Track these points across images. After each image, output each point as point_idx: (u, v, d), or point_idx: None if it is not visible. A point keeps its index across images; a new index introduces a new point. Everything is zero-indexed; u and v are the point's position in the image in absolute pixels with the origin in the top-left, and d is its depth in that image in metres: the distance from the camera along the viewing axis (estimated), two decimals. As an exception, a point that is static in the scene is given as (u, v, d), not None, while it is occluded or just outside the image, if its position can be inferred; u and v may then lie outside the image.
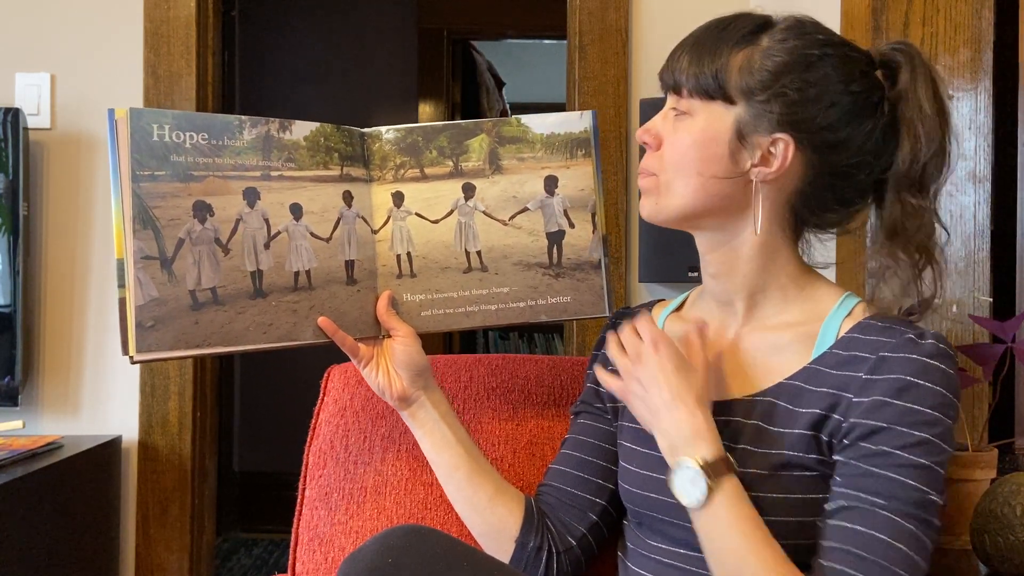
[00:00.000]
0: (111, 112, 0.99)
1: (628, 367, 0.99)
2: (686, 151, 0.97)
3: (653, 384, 0.96)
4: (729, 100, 0.95)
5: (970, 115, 1.49)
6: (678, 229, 1.03)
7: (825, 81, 0.95)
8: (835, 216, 1.01)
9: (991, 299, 1.45)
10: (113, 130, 0.99)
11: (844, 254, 1.51)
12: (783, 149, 0.95)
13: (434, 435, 1.11)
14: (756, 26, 0.97)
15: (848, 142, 0.96)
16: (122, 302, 0.98)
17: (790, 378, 0.96)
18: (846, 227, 1.04)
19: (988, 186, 1.48)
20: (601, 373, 1.04)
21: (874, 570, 0.85)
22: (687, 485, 0.91)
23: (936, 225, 0.99)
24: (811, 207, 0.99)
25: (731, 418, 0.97)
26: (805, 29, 0.97)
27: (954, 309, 1.41)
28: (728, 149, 0.96)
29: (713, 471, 0.90)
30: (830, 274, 1.52)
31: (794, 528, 0.91)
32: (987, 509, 1.13)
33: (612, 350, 1.02)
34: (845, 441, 0.90)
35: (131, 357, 0.98)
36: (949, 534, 1.26)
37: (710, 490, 0.89)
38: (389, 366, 1.10)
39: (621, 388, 1.00)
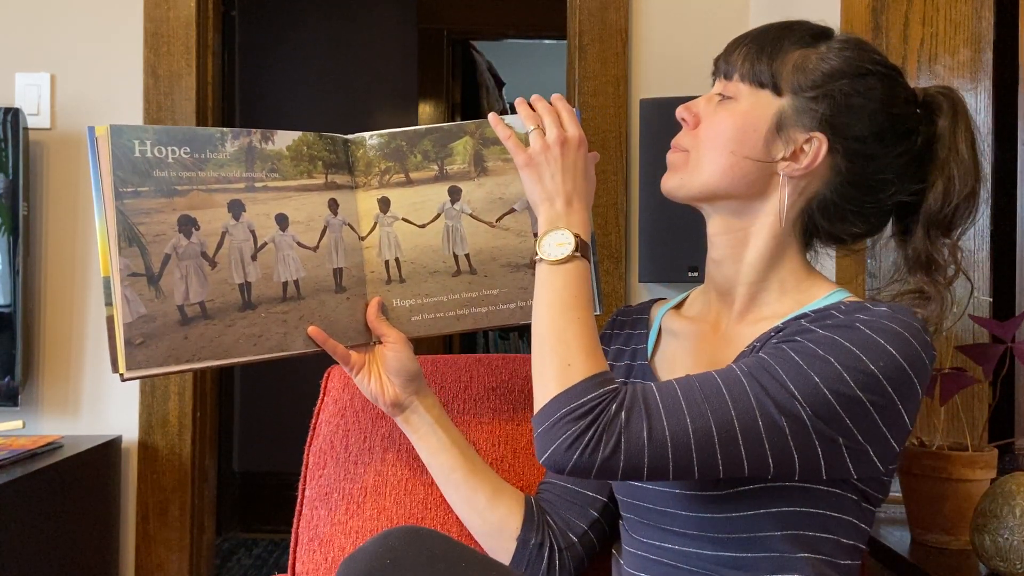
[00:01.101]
0: (91, 129, 0.98)
1: (545, 143, 1.01)
2: (723, 130, 0.99)
3: (563, 173, 1.01)
4: (777, 91, 0.98)
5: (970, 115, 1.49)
6: (693, 206, 1.05)
7: (870, 95, 0.97)
8: (849, 229, 1.02)
9: (991, 299, 1.45)
10: (94, 147, 0.99)
11: (844, 278, 1.51)
12: (816, 148, 0.97)
13: (429, 439, 1.12)
14: (818, 32, 1.01)
15: (878, 158, 0.98)
16: (110, 320, 0.98)
17: (749, 345, 0.97)
18: (852, 247, 1.07)
19: (988, 186, 1.48)
20: (502, 123, 1.06)
21: (692, 398, 0.87)
22: (552, 246, 0.98)
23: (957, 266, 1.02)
24: (829, 215, 1.00)
25: None
26: (863, 47, 1.00)
27: (954, 309, 1.41)
28: (764, 136, 0.98)
29: (580, 248, 0.97)
30: (831, 275, 1.52)
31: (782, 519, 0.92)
32: (987, 509, 1.13)
33: (524, 112, 1.04)
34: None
35: (121, 375, 0.98)
36: (949, 534, 1.26)
37: (570, 257, 0.96)
38: (381, 372, 1.10)
39: (527, 155, 1.02)
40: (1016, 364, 1.33)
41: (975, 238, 1.48)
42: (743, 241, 1.02)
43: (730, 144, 0.99)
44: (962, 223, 1.01)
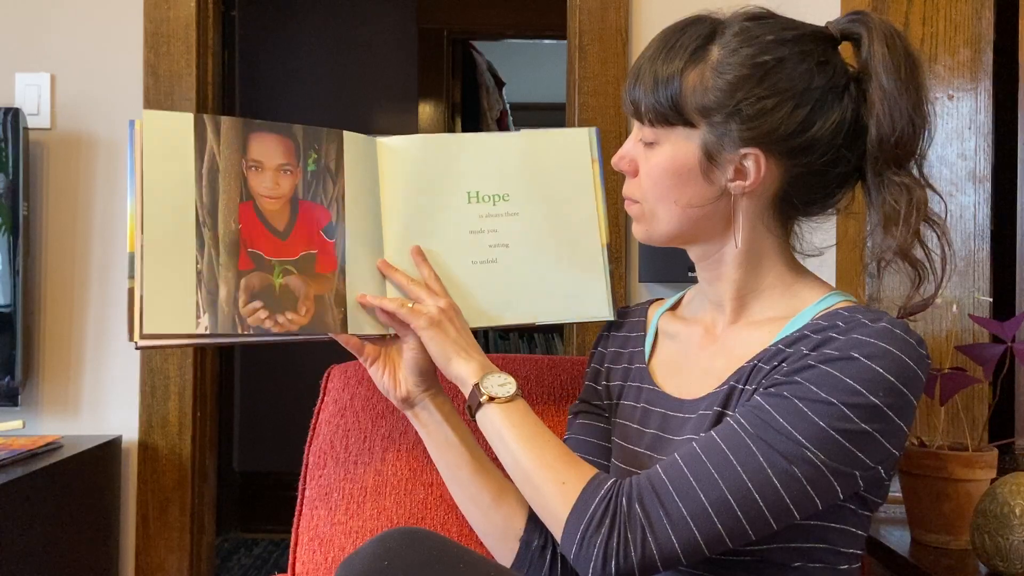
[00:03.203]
0: (132, 123, 1.04)
1: (438, 307, 1.06)
2: (660, 180, 0.98)
3: (460, 329, 1.06)
4: (689, 124, 0.95)
5: (970, 115, 1.49)
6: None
7: (783, 85, 0.92)
8: (825, 203, 1.01)
9: (991, 299, 1.45)
10: (133, 134, 1.03)
11: (844, 278, 1.51)
12: (754, 162, 0.94)
13: (437, 436, 1.11)
14: (704, 38, 0.95)
15: (819, 140, 0.93)
16: (131, 292, 1.02)
17: (750, 360, 0.96)
18: (838, 207, 1.02)
19: (988, 186, 1.48)
20: (392, 302, 1.08)
21: (700, 471, 0.86)
22: (496, 386, 1.00)
23: (934, 201, 0.96)
24: (795, 204, 0.99)
25: (702, 412, 0.97)
26: (753, 32, 0.94)
27: (954, 309, 1.41)
28: (700, 171, 0.96)
29: (516, 386, 1.00)
30: (830, 258, 1.52)
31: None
32: (987, 509, 1.13)
33: (393, 305, 1.07)
34: (759, 388, 0.91)
35: (136, 343, 1.01)
36: (949, 534, 1.26)
37: (516, 393, 0.99)
38: (395, 367, 1.10)
39: (428, 317, 1.04)
40: (1016, 364, 1.34)
41: (975, 238, 1.48)
42: (722, 263, 1.01)
43: (671, 194, 0.97)
44: (913, 151, 0.95)
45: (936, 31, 1.50)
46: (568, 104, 1.98)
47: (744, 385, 0.94)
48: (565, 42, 2.00)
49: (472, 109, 4.11)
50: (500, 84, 4.49)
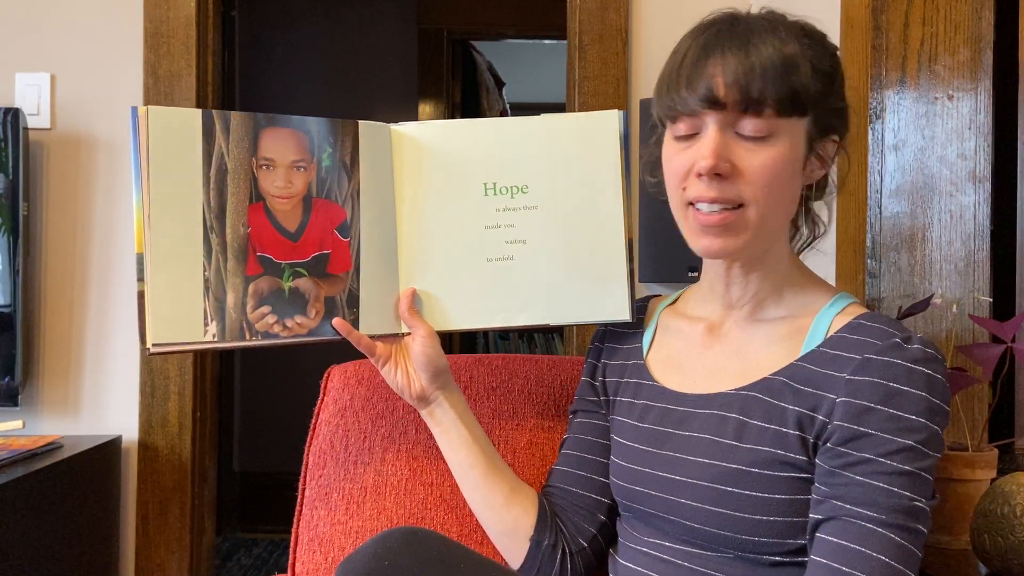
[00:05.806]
0: (134, 110, 1.00)
1: None
2: (776, 177, 0.91)
3: None
4: (803, 112, 0.91)
5: (970, 115, 1.48)
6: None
7: (839, 71, 0.96)
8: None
9: (991, 299, 1.45)
10: (136, 127, 1.00)
11: (844, 277, 1.51)
12: (832, 149, 0.97)
13: (451, 434, 1.11)
14: (798, 24, 0.94)
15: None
16: (141, 295, 1.00)
17: (776, 374, 0.95)
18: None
19: (988, 186, 1.47)
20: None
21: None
22: None
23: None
24: (808, 197, 1.01)
25: (715, 411, 0.97)
26: (807, 29, 0.96)
27: (954, 309, 1.41)
28: (801, 165, 0.94)
29: None
30: (831, 258, 1.52)
31: (785, 529, 0.90)
32: (987, 509, 1.13)
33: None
34: (828, 444, 0.89)
35: (148, 348, 1.00)
36: (949, 534, 1.26)
37: None
38: (408, 366, 1.09)
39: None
40: (1016, 364, 1.33)
41: (975, 238, 1.48)
42: (753, 264, 0.99)
43: (786, 191, 0.93)
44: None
45: (936, 31, 1.50)
46: (568, 104, 1.98)
47: (771, 400, 0.93)
48: (565, 42, 2.00)
49: (472, 109, 4.11)
50: (500, 84, 4.49)
